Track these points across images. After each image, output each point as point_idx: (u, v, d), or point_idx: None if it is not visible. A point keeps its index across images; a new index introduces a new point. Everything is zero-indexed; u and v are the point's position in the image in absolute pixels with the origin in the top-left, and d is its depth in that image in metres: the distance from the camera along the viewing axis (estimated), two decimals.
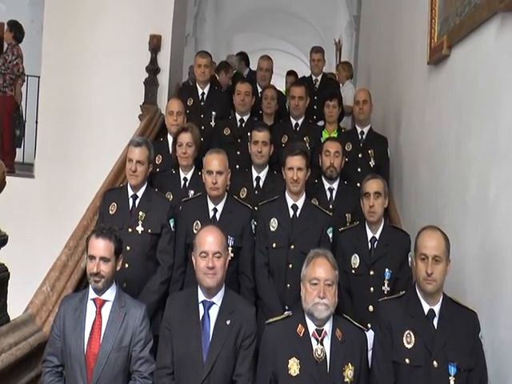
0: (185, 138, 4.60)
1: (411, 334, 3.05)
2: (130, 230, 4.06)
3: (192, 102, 5.97)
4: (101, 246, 3.31)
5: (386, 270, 3.87)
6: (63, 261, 4.16)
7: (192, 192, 4.53)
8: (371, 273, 3.91)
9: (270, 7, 14.85)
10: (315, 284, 3.06)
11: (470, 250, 3.50)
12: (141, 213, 4.10)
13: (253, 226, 4.18)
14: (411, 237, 3.83)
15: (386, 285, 3.86)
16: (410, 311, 3.11)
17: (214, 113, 5.85)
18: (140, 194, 4.19)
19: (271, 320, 3.22)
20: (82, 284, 4.15)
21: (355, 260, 3.97)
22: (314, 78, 7.13)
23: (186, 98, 5.92)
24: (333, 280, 3.08)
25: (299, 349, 3.04)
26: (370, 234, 4.01)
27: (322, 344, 3.05)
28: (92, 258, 3.32)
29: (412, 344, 3.04)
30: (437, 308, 3.08)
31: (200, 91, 6.03)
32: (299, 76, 8.36)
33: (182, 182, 4.67)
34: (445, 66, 4.24)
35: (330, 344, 3.06)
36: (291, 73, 8.89)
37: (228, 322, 3.26)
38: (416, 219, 4.66)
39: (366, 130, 5.57)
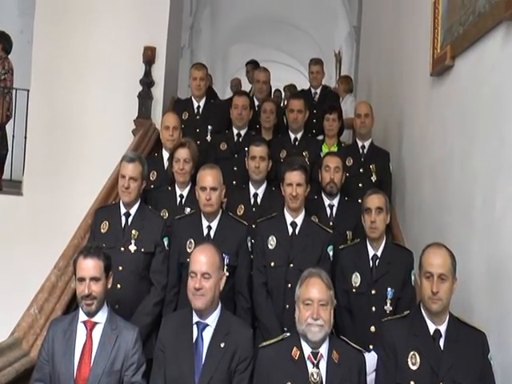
0: (182, 153, 4.53)
1: (416, 354, 2.99)
2: (122, 248, 3.97)
3: (187, 116, 5.89)
4: (90, 266, 3.24)
5: (389, 288, 3.80)
6: (52, 282, 4.09)
7: (188, 210, 4.45)
8: (373, 292, 3.83)
9: (268, 17, 14.89)
10: (308, 304, 2.97)
11: (476, 267, 3.45)
12: (134, 231, 4.01)
13: (249, 244, 4.10)
14: (414, 254, 3.79)
15: (388, 304, 3.78)
16: (415, 331, 3.04)
17: (210, 127, 5.78)
18: (133, 211, 4.10)
19: (265, 343, 3.14)
20: (71, 306, 4.07)
21: (356, 278, 3.90)
22: (313, 90, 7.08)
23: (182, 111, 5.84)
24: (327, 300, 3.00)
25: (294, 373, 2.96)
26: (371, 252, 3.94)
27: (317, 367, 2.96)
28: (82, 280, 3.24)
29: (417, 365, 2.97)
30: (443, 328, 3.02)
31: (196, 104, 5.96)
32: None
33: (178, 199, 4.60)
34: (448, 77, 4.21)
35: (326, 367, 2.98)
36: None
37: (222, 345, 3.17)
38: (419, 236, 4.62)
39: (367, 144, 5.51)
